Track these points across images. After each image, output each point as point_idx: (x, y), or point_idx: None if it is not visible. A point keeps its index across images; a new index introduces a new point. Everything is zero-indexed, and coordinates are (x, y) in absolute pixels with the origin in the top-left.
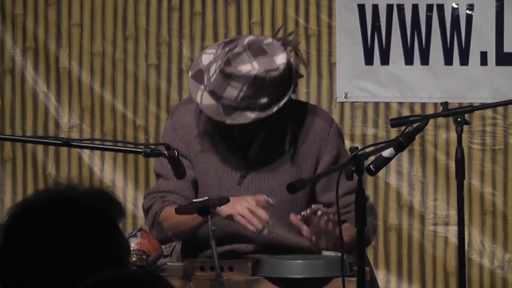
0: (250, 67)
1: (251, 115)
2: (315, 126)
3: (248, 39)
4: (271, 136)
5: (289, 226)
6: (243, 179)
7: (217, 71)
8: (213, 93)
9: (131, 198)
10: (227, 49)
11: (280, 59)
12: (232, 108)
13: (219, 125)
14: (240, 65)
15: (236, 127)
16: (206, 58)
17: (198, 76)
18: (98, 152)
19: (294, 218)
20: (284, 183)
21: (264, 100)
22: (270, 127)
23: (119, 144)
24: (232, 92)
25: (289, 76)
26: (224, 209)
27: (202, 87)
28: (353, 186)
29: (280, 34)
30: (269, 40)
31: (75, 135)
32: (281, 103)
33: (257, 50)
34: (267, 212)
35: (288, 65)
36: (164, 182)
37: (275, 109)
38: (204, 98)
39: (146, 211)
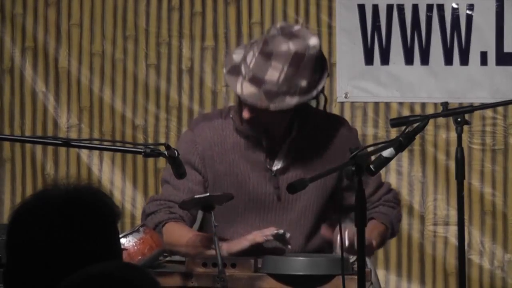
0: (287, 46)
1: (293, 100)
2: (339, 135)
3: (279, 24)
4: (295, 145)
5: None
6: (279, 192)
7: (256, 54)
8: (254, 80)
9: (130, 198)
10: (259, 40)
11: (313, 41)
12: (273, 94)
13: (245, 137)
14: (278, 45)
15: (263, 136)
16: (236, 56)
17: (234, 71)
18: (96, 152)
19: (327, 232)
20: (314, 191)
21: (303, 83)
22: (295, 133)
23: (118, 144)
24: (274, 73)
25: (322, 61)
26: (243, 242)
27: (240, 78)
28: (379, 179)
29: None
30: (298, 26)
31: (73, 135)
32: (319, 87)
33: (289, 34)
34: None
35: (320, 49)
36: (173, 191)
37: (314, 93)
38: (244, 88)
39: (147, 215)
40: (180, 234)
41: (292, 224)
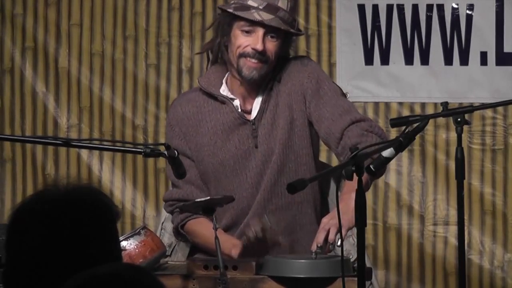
0: None
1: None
2: (301, 81)
3: None
4: (267, 92)
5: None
6: (256, 149)
7: None
8: (268, 8)
9: (130, 198)
10: None
11: None
12: (286, 21)
13: (219, 100)
14: None
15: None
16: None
17: (242, 8)
18: (96, 152)
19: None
20: (285, 141)
21: (296, 19)
22: (266, 85)
23: (118, 144)
24: (283, 1)
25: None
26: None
27: (253, 10)
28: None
29: None
30: None
31: (74, 135)
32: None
33: None
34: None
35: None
36: (175, 190)
37: (303, 31)
38: (263, 15)
39: (171, 214)
40: (202, 235)
41: (273, 170)
